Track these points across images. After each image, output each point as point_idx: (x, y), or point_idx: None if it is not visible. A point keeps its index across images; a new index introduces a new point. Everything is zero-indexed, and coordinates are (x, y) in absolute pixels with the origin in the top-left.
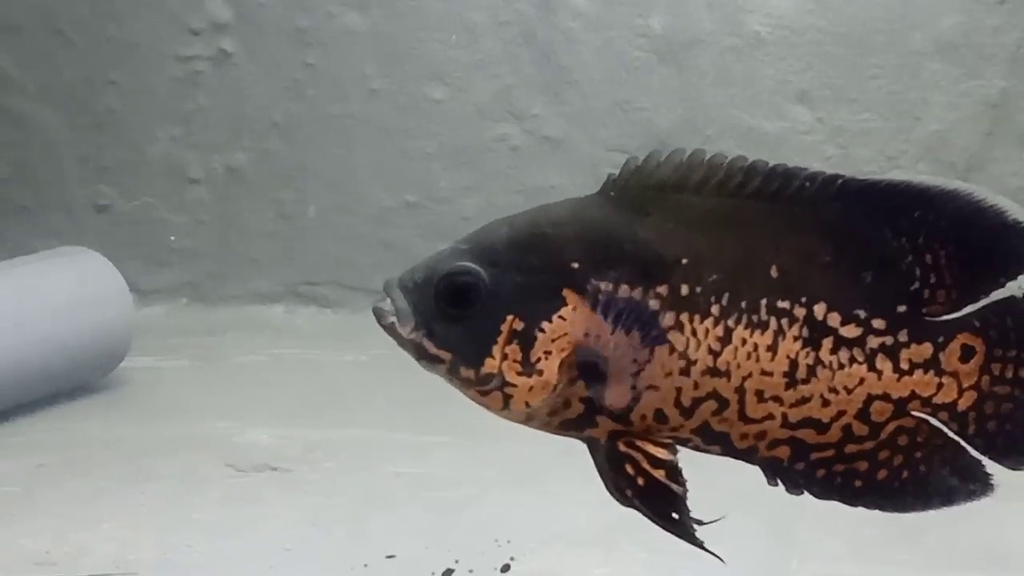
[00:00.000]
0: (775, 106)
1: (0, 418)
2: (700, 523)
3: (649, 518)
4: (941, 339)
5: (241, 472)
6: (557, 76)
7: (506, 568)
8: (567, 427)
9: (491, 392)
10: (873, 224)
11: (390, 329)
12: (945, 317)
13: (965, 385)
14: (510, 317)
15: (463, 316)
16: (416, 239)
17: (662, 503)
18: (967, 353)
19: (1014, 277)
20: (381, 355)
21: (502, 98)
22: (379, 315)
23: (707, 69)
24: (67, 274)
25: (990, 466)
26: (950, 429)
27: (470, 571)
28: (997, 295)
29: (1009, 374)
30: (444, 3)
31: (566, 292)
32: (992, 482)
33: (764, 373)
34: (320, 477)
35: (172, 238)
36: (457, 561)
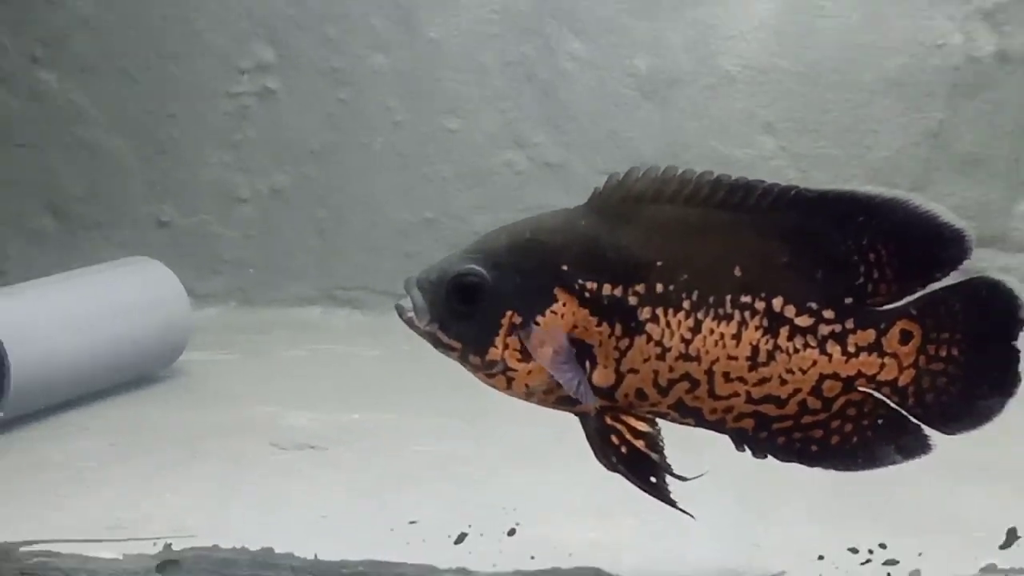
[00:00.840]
0: (744, 136)
1: (78, 403)
2: (683, 478)
3: (631, 481)
4: (883, 325)
5: (283, 450)
6: (556, 110)
7: (512, 532)
8: (562, 403)
9: (496, 375)
10: (824, 229)
11: (410, 322)
12: (886, 307)
13: (905, 364)
14: (509, 312)
15: (470, 311)
16: (434, 250)
17: (642, 469)
18: (906, 337)
19: (947, 272)
20: (404, 350)
21: (508, 128)
22: (400, 310)
23: (685, 104)
24: (134, 280)
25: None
26: (892, 402)
27: (481, 534)
28: (931, 287)
29: (943, 353)
30: (458, 46)
31: (558, 291)
32: (930, 443)
33: (730, 358)
34: (352, 455)
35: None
36: (470, 526)
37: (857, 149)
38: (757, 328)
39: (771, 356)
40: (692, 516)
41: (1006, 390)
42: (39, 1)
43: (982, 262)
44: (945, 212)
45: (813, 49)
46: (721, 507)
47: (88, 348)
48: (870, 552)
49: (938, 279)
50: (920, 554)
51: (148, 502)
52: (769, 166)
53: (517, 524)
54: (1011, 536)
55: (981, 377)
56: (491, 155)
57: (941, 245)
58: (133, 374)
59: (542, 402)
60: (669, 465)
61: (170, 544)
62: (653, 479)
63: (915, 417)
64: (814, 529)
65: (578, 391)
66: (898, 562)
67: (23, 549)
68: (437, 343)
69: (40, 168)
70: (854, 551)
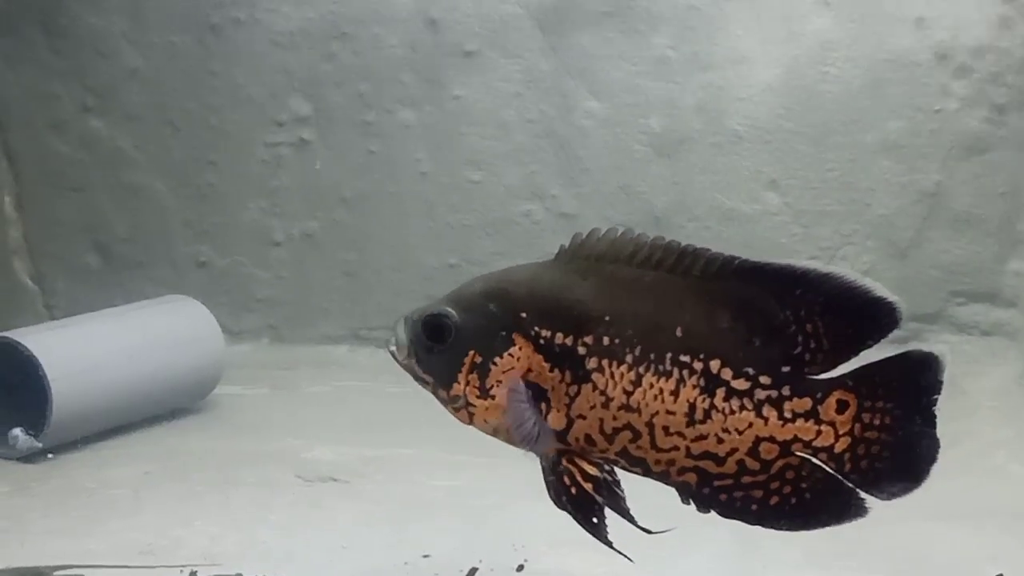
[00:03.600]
0: (750, 192)
1: (115, 433)
2: (648, 531)
3: (575, 519)
4: (819, 395)
5: (308, 482)
6: (573, 164)
7: (520, 568)
8: (525, 442)
9: (460, 409)
10: (763, 298)
11: (393, 356)
12: (824, 376)
13: (841, 432)
14: (472, 351)
15: (440, 349)
16: None
17: (586, 510)
18: (842, 406)
19: (878, 340)
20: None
21: (528, 181)
22: (388, 344)
23: (695, 161)
24: (172, 317)
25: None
26: (829, 467)
27: (491, 570)
28: (867, 357)
29: (877, 422)
30: (482, 103)
31: (515, 336)
32: (866, 506)
33: (668, 412)
34: (372, 487)
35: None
36: (481, 561)
37: (857, 207)
38: (694, 387)
39: (707, 415)
40: (631, 560)
41: (933, 456)
42: (91, 54)
43: (976, 317)
44: (878, 286)
45: (817, 112)
46: (721, 549)
47: (127, 381)
48: None
49: (869, 347)
50: None
51: (178, 529)
52: (773, 221)
53: (526, 560)
54: None
55: (912, 445)
56: (511, 205)
57: (873, 317)
58: (169, 406)
59: (508, 440)
60: (632, 517)
61: (196, 572)
62: (595, 520)
63: (851, 482)
64: (812, 573)
65: (525, 430)
66: None
67: (56, 573)
68: (414, 376)
69: (87, 210)
70: None
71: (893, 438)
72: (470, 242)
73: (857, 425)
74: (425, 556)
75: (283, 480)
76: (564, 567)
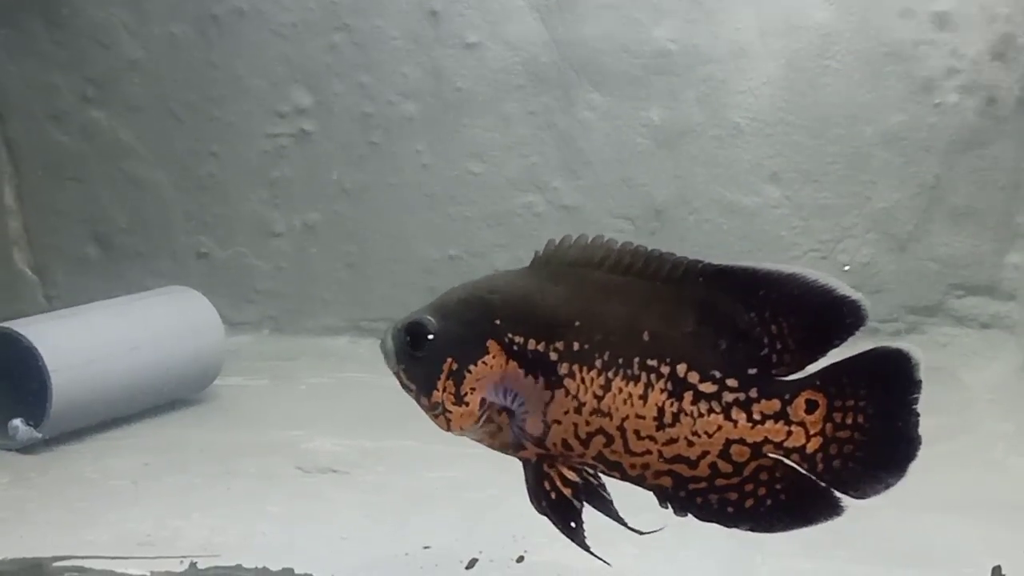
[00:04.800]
0: (751, 185)
1: (115, 424)
2: (639, 532)
3: (554, 524)
4: (788, 396)
5: (308, 473)
6: (574, 156)
7: (520, 559)
8: (506, 448)
9: (439, 416)
10: (729, 301)
11: (384, 362)
12: (792, 377)
13: (812, 432)
14: (449, 359)
15: (420, 356)
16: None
17: (564, 514)
18: (811, 406)
19: (844, 339)
20: None
21: (529, 173)
22: (380, 350)
23: (696, 153)
24: (172, 308)
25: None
26: (802, 468)
27: (491, 560)
28: (836, 355)
29: (848, 421)
30: (483, 95)
31: (490, 343)
32: (841, 506)
33: (638, 416)
34: (372, 479)
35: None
36: (481, 552)
37: (857, 200)
38: (662, 391)
39: (676, 418)
40: (608, 563)
41: (910, 454)
42: (92, 44)
43: (975, 309)
44: (841, 285)
45: (818, 105)
46: (717, 540)
47: (127, 371)
48: None
49: (836, 346)
50: None
51: (178, 521)
52: (773, 214)
53: (526, 551)
54: (996, 574)
55: (886, 443)
56: (512, 198)
57: (838, 316)
58: (169, 397)
59: (491, 446)
60: (622, 519)
61: (196, 563)
62: (573, 524)
63: (824, 482)
64: (809, 564)
65: (503, 437)
66: None
67: (55, 564)
68: (400, 383)
69: (88, 201)
70: None
71: (867, 437)
72: (471, 234)
73: (828, 425)
74: (425, 547)
75: (283, 471)
76: (563, 559)
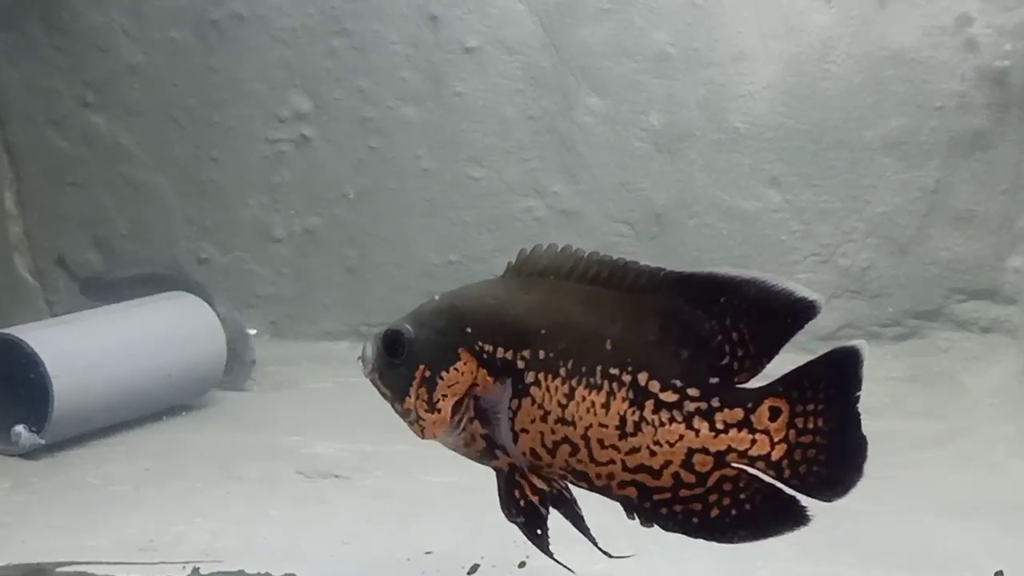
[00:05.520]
0: (751, 189)
1: (117, 429)
2: (608, 555)
3: (522, 531)
4: (750, 404)
5: (309, 478)
6: (574, 161)
7: (522, 564)
8: (481, 457)
9: (413, 423)
10: (690, 310)
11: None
12: (754, 385)
13: (776, 439)
14: (422, 366)
15: (396, 364)
16: None
17: (532, 522)
18: (775, 413)
19: (794, 335)
20: None
21: (529, 178)
22: (357, 358)
23: (696, 157)
24: (172, 314)
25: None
26: (769, 476)
27: (493, 566)
28: (797, 362)
29: (811, 425)
30: (483, 100)
31: (461, 351)
32: (807, 514)
33: (601, 425)
34: (374, 483)
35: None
36: (483, 557)
37: (857, 203)
38: (624, 400)
39: (638, 427)
40: (572, 571)
41: (863, 453)
42: (92, 49)
43: (975, 313)
44: (799, 287)
45: (818, 109)
46: (718, 545)
47: (128, 377)
48: None
49: (787, 342)
50: None
51: (179, 526)
52: (773, 218)
53: (528, 557)
54: None
55: (843, 444)
56: (512, 202)
57: (796, 317)
58: (169, 402)
59: (467, 455)
60: (592, 537)
61: (198, 568)
62: (539, 532)
63: (793, 488)
64: (807, 569)
65: (479, 446)
66: None
67: (57, 569)
68: (377, 389)
69: (88, 205)
70: None
71: (827, 440)
72: (471, 238)
73: (791, 431)
74: (427, 552)
75: (284, 476)
76: (565, 564)
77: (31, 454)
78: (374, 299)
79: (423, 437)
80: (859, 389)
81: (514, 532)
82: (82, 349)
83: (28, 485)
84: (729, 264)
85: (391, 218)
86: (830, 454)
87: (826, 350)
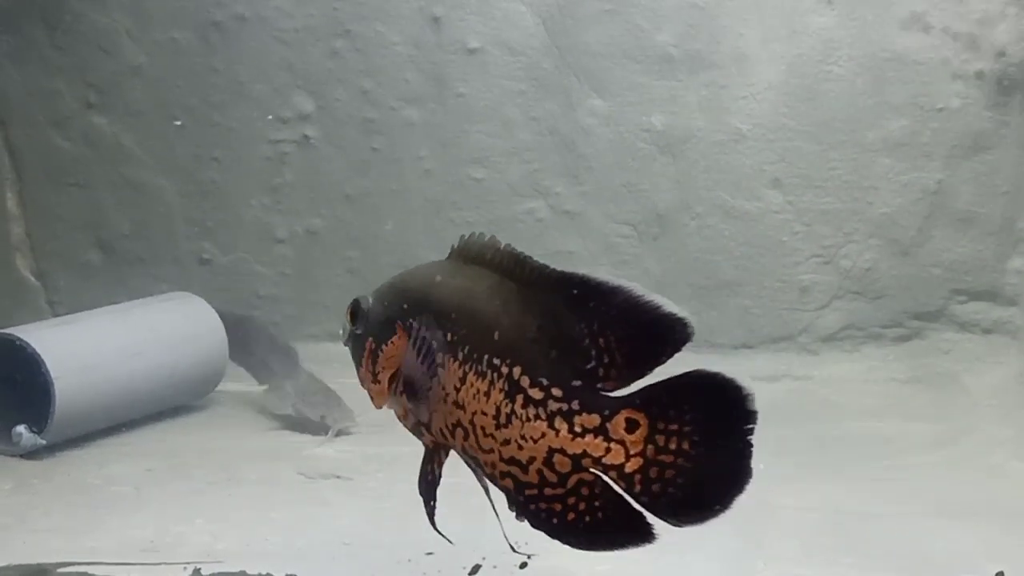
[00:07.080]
0: (753, 190)
1: (118, 430)
2: (449, 541)
3: (424, 504)
4: (608, 412)
5: (310, 479)
6: (576, 162)
7: (523, 565)
8: (414, 431)
9: (367, 393)
10: (562, 310)
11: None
12: (616, 393)
13: (632, 452)
14: (370, 338)
15: (356, 333)
16: None
17: (428, 496)
18: (632, 425)
19: (670, 356)
20: None
21: (531, 179)
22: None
23: (698, 159)
24: (175, 314)
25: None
26: (619, 487)
27: (494, 567)
28: (658, 376)
29: (672, 446)
30: (486, 101)
31: (397, 325)
32: (653, 533)
33: (483, 413)
34: (375, 485)
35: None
36: (484, 558)
37: (859, 205)
38: (500, 391)
39: (509, 419)
40: (451, 541)
41: (737, 486)
42: (94, 50)
43: (977, 315)
44: (667, 302)
45: (820, 110)
46: (722, 543)
47: (129, 377)
48: None
49: (662, 363)
50: None
51: (180, 526)
52: (775, 219)
53: (529, 557)
54: None
55: (712, 472)
56: (514, 203)
57: (663, 333)
58: (171, 403)
59: (407, 428)
60: (436, 527)
61: (199, 569)
62: (432, 505)
63: (642, 505)
64: (811, 571)
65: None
66: None
67: (58, 570)
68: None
69: (90, 206)
70: None
71: (692, 464)
72: None
73: (650, 447)
74: (428, 553)
75: (285, 478)
76: (567, 565)
77: (32, 455)
78: None
79: (377, 408)
80: (752, 422)
81: (515, 534)
82: (84, 349)
83: (29, 486)
84: (730, 265)
85: (393, 220)
86: (691, 480)
87: (688, 370)
